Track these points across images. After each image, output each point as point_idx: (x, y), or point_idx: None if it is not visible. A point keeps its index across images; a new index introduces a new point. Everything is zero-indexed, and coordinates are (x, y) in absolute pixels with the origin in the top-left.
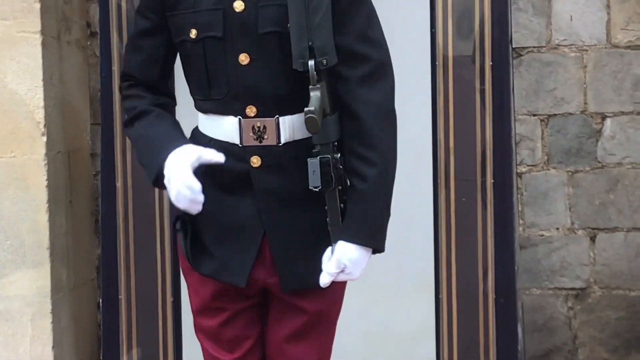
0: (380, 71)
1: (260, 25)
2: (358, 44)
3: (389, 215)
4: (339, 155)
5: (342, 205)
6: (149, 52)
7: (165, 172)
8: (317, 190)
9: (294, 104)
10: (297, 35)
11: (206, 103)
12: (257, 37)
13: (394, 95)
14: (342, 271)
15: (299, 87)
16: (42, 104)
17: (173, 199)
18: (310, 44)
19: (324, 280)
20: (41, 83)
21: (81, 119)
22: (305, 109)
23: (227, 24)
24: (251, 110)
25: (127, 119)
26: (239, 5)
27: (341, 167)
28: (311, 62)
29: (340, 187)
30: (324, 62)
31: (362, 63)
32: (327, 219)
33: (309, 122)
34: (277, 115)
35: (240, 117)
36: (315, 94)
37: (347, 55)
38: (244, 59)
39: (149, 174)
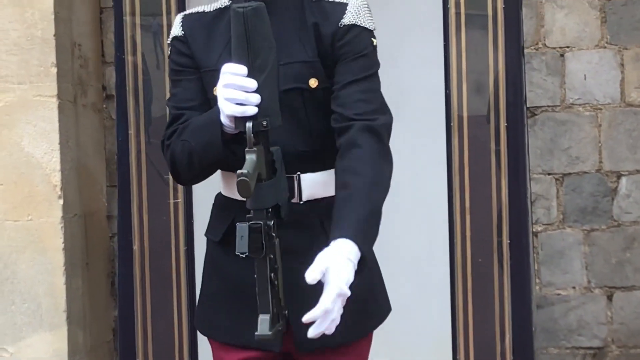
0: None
1: (282, 82)
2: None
3: (376, 224)
4: (272, 222)
5: (272, 274)
6: (189, 85)
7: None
8: (244, 256)
9: (317, 161)
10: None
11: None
12: (280, 94)
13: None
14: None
15: (320, 144)
16: (58, 167)
17: (224, 102)
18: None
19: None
20: (58, 146)
21: (97, 182)
22: (238, 171)
23: None
24: None
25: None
26: None
27: (274, 234)
28: (249, 124)
29: (271, 256)
30: (264, 123)
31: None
32: (256, 288)
33: (239, 185)
34: (299, 172)
35: None
36: (250, 157)
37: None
38: None
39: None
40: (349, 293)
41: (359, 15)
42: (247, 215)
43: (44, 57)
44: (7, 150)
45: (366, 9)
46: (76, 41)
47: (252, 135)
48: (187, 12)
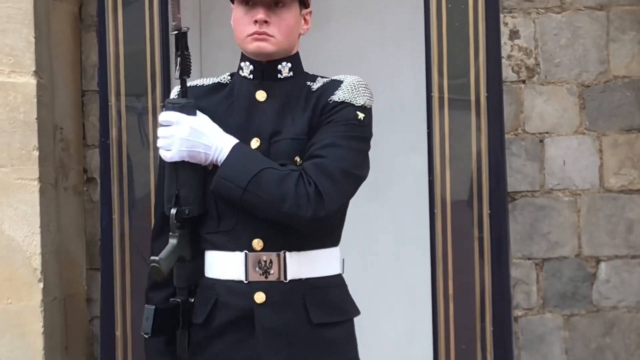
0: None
1: (273, 159)
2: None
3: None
4: (193, 299)
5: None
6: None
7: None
8: (147, 336)
9: (302, 240)
10: (168, 182)
11: (215, 236)
12: None
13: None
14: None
15: None
16: (39, 250)
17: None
18: (176, 192)
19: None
20: (38, 230)
21: (77, 265)
22: (151, 257)
23: None
24: (258, 244)
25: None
26: (255, 142)
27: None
28: (173, 210)
29: (189, 330)
30: (186, 211)
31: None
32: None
33: (151, 270)
34: (284, 250)
35: (247, 252)
36: (171, 242)
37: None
38: None
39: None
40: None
41: (350, 93)
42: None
43: (26, 140)
44: None
45: (362, 86)
46: (58, 124)
47: (175, 221)
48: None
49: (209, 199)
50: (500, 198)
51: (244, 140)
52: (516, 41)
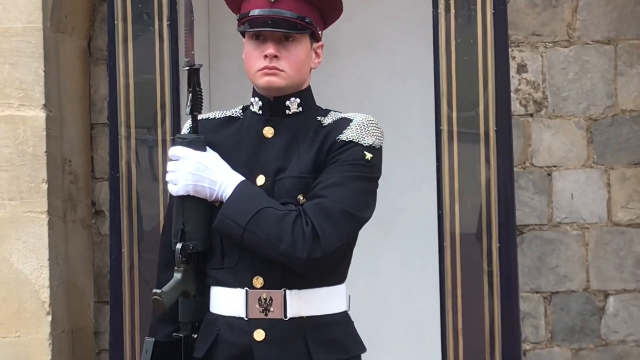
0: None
1: (276, 197)
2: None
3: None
4: (195, 335)
5: None
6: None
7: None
8: None
9: (303, 278)
10: (175, 217)
11: (218, 272)
12: None
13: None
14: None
15: None
16: (47, 283)
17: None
18: (182, 227)
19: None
20: (47, 263)
21: (85, 297)
22: (154, 290)
23: None
24: (258, 281)
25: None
26: (260, 179)
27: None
28: (179, 245)
29: None
30: (191, 246)
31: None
32: None
33: (153, 303)
34: (285, 288)
35: (247, 288)
36: (176, 276)
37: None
38: None
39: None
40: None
41: (359, 133)
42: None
43: (35, 173)
44: None
45: (372, 126)
46: (67, 157)
47: (180, 255)
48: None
49: (214, 235)
50: (510, 231)
51: (250, 176)
52: (524, 75)
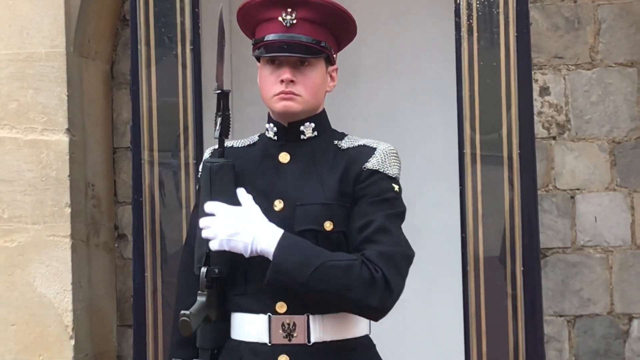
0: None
1: (298, 224)
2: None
3: (302, 276)
4: None
5: None
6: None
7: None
8: None
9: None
10: (199, 242)
11: (241, 298)
12: (295, 234)
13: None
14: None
15: None
16: (70, 307)
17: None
18: (207, 251)
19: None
20: (70, 286)
21: (108, 321)
22: (182, 311)
23: None
24: (281, 307)
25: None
26: (278, 204)
27: None
28: (203, 269)
29: None
30: (216, 270)
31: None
32: None
33: (181, 324)
34: (308, 314)
35: (270, 314)
36: (200, 299)
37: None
38: None
39: None
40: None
41: (383, 163)
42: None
43: (58, 197)
44: (20, 290)
45: (393, 156)
46: (90, 181)
47: (205, 279)
48: (212, 149)
49: (237, 261)
50: (533, 255)
51: (268, 202)
52: (547, 98)
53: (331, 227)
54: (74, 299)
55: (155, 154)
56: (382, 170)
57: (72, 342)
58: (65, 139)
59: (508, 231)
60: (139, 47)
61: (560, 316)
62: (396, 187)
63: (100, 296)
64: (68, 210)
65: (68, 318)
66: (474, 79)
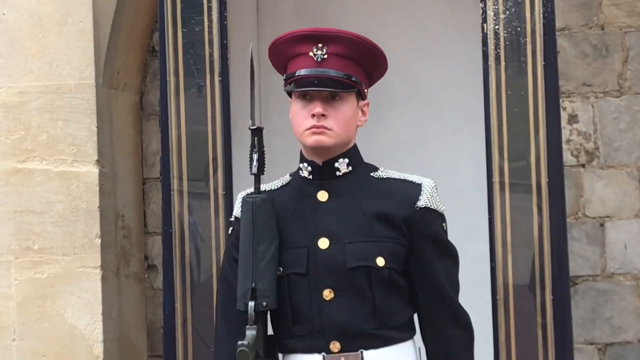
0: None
1: (349, 261)
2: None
3: None
4: None
5: None
6: None
7: None
8: None
9: (380, 338)
10: (243, 277)
11: (290, 341)
12: (346, 272)
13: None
14: None
15: (384, 323)
16: (101, 338)
17: None
18: (253, 285)
19: None
20: (100, 317)
21: (138, 352)
22: (239, 342)
23: (310, 261)
24: (335, 346)
25: None
26: (323, 243)
27: None
28: (251, 303)
29: None
30: (264, 304)
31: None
32: None
33: (239, 355)
34: (362, 350)
35: (325, 354)
36: (250, 332)
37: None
38: (328, 294)
39: None
40: None
41: (432, 198)
42: None
43: (88, 228)
44: (50, 322)
45: (436, 191)
46: (119, 212)
47: (253, 314)
48: (249, 190)
49: (283, 302)
50: (563, 283)
51: (313, 240)
52: (575, 125)
53: (383, 263)
54: (104, 330)
55: (185, 183)
56: (433, 208)
57: None
58: (95, 170)
59: (537, 260)
60: (167, 78)
61: (591, 344)
62: (445, 227)
63: (130, 327)
64: (98, 241)
65: (99, 349)
66: (501, 107)
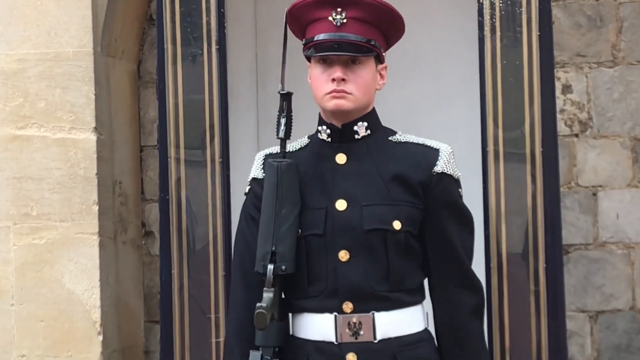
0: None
1: (366, 223)
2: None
3: None
4: None
5: None
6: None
7: None
8: None
9: (392, 300)
10: (263, 239)
11: (302, 302)
12: (362, 234)
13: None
14: None
15: (397, 285)
16: (98, 303)
17: None
18: (273, 249)
19: None
20: (98, 283)
21: (135, 317)
22: (257, 304)
23: (328, 222)
24: (347, 307)
25: None
26: (341, 205)
27: None
28: (270, 267)
29: None
30: (283, 267)
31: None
32: None
33: (257, 317)
34: (373, 311)
35: (337, 314)
36: (268, 295)
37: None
38: (343, 255)
39: None
40: None
41: (449, 164)
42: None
43: (86, 195)
44: (49, 287)
45: (453, 156)
46: (117, 179)
47: (271, 277)
48: (268, 151)
49: (300, 264)
50: (556, 251)
51: (331, 202)
52: (569, 95)
53: (399, 226)
54: (101, 296)
55: (182, 151)
56: (450, 173)
57: (100, 337)
58: (92, 137)
59: (531, 228)
60: (165, 46)
61: (583, 312)
62: (461, 192)
63: (127, 292)
64: (96, 207)
65: (96, 314)
66: (497, 77)
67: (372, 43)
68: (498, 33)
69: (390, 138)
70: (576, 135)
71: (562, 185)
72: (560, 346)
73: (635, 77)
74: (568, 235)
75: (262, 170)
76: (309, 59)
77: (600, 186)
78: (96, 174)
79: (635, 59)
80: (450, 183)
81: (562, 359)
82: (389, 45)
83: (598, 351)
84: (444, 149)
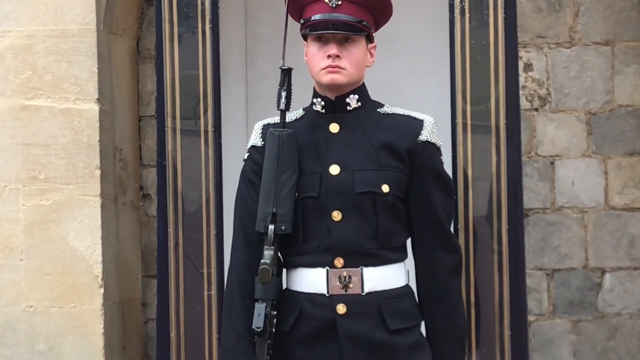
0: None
1: (357, 186)
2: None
3: (464, 353)
4: (275, 312)
5: (268, 357)
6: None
7: None
8: (259, 330)
9: (379, 257)
10: (264, 202)
11: (297, 258)
12: (354, 196)
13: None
14: None
15: (384, 243)
16: (100, 259)
17: None
18: (274, 210)
19: None
20: (100, 241)
21: (134, 272)
22: (261, 260)
23: (322, 186)
24: (339, 262)
25: None
26: (334, 170)
27: (274, 323)
28: (271, 226)
29: (269, 342)
30: (283, 227)
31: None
32: None
33: (262, 272)
34: (362, 267)
35: (329, 268)
36: (269, 252)
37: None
38: (336, 215)
39: None
40: None
41: (432, 133)
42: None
43: (89, 160)
44: (55, 244)
45: (436, 127)
46: (117, 146)
47: (272, 236)
48: (266, 121)
49: (296, 223)
50: (518, 215)
51: (324, 167)
52: (530, 73)
53: (387, 189)
54: (103, 252)
55: (178, 121)
56: (433, 142)
57: (102, 290)
58: (95, 108)
59: (495, 193)
60: (163, 25)
61: (540, 270)
62: (442, 158)
63: (126, 250)
64: (98, 172)
65: (98, 269)
66: (465, 55)
67: (364, 23)
68: (467, 15)
69: (378, 110)
70: (536, 110)
71: (523, 155)
72: (520, 300)
73: (590, 57)
74: (528, 200)
75: (261, 139)
76: (305, 37)
77: (557, 156)
78: (98, 141)
79: (591, 40)
80: (434, 151)
81: (521, 312)
82: (378, 26)
83: (554, 305)
84: (428, 119)
